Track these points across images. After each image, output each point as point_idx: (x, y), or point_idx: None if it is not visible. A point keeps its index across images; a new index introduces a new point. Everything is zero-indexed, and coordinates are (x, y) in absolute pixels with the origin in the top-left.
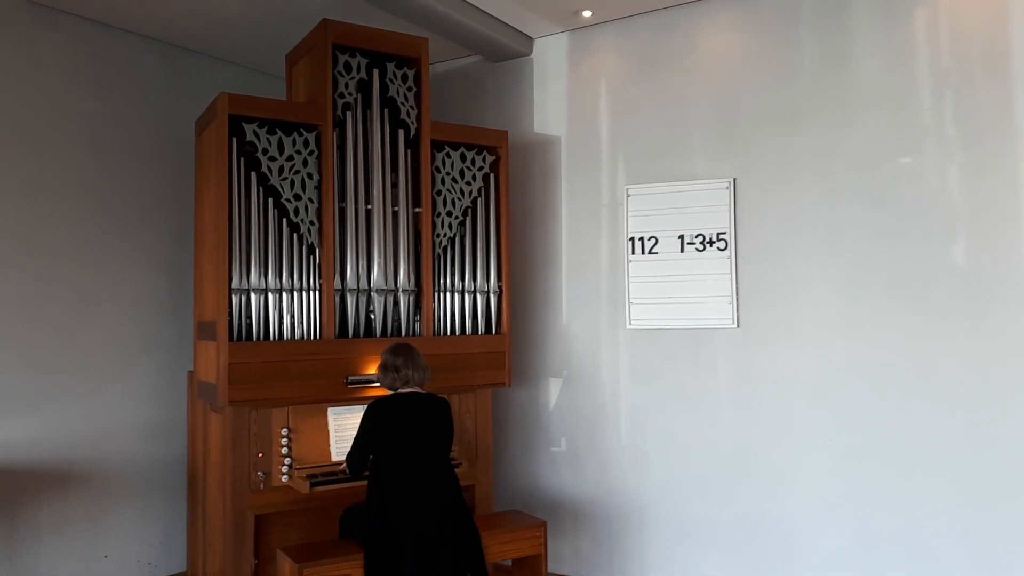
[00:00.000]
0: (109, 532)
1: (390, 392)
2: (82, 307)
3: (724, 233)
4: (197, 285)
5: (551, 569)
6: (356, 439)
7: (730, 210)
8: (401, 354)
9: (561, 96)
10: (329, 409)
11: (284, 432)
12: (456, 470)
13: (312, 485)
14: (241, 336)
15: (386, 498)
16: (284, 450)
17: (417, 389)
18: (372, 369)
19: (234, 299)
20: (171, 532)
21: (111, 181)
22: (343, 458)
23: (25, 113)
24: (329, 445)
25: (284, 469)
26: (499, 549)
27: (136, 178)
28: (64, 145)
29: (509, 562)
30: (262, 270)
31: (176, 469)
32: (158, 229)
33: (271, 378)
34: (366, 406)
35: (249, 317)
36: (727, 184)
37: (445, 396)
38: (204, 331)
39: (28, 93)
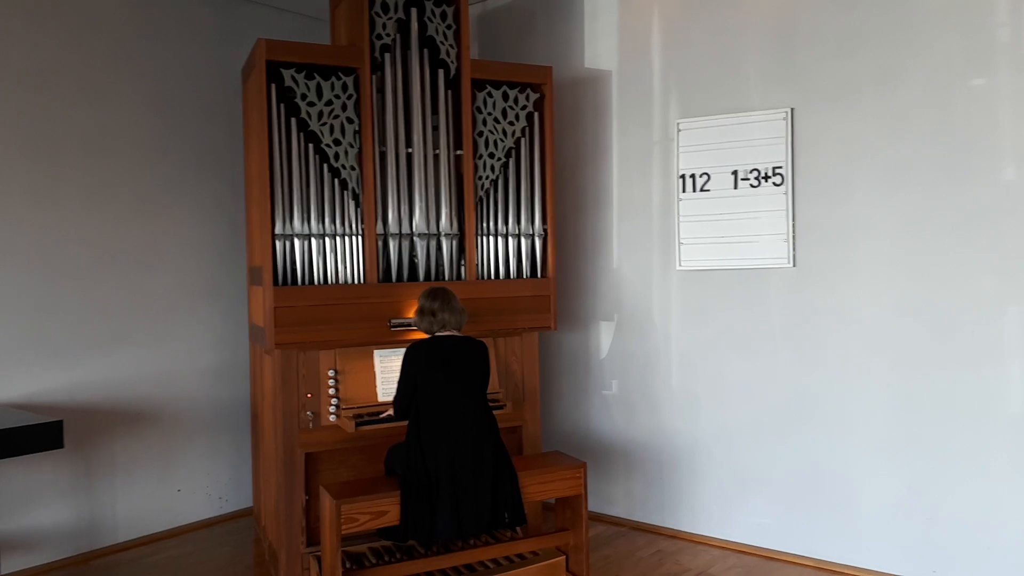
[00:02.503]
0: (180, 468)
1: (427, 336)
2: (147, 256)
3: (780, 167)
4: (248, 232)
5: (604, 511)
6: (399, 385)
7: (787, 142)
8: (437, 298)
9: (612, 28)
10: (375, 351)
11: (331, 373)
12: (501, 411)
13: (357, 424)
14: (286, 281)
15: (423, 439)
16: (332, 391)
17: (454, 332)
18: (415, 312)
19: (278, 245)
20: (239, 469)
21: (169, 134)
22: (389, 398)
23: (83, 71)
24: (375, 386)
25: (332, 409)
26: (538, 489)
27: (194, 130)
28: (123, 100)
29: (553, 501)
30: (305, 216)
31: (241, 410)
32: (217, 179)
33: (317, 321)
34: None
35: (293, 262)
36: (784, 115)
37: (489, 339)
38: (254, 276)
39: (85, 51)
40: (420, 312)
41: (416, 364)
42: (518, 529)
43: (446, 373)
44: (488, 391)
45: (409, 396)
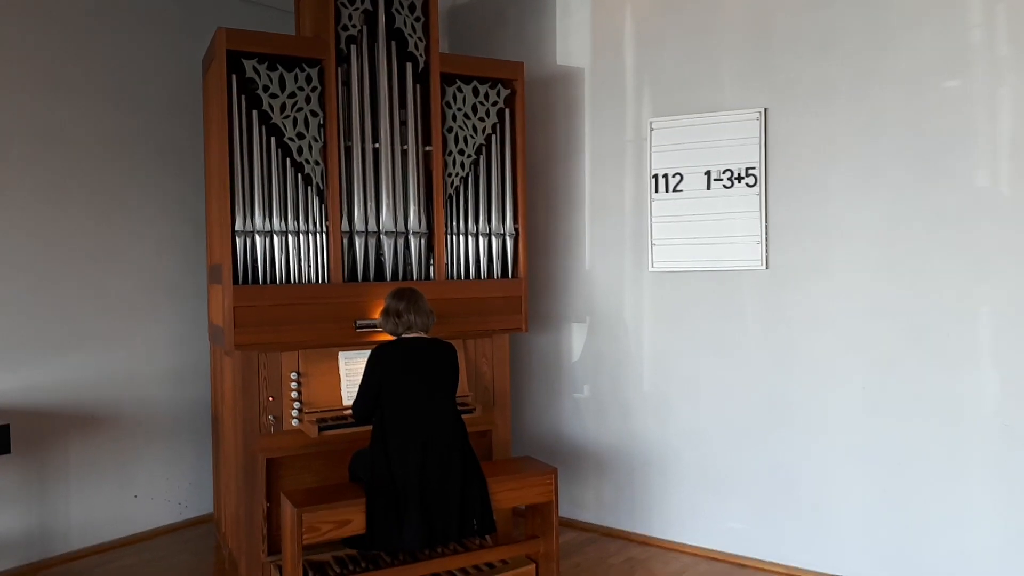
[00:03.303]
0: (138, 473)
1: (394, 338)
2: (106, 254)
3: (753, 168)
4: (208, 228)
5: (575, 517)
6: (360, 388)
7: (760, 143)
8: (403, 298)
9: (584, 24)
10: (340, 353)
11: (293, 376)
12: (470, 415)
13: (320, 429)
14: (247, 279)
15: (389, 445)
16: (294, 394)
17: (421, 334)
18: (379, 313)
19: (238, 242)
20: (200, 474)
21: (130, 128)
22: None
23: (40, 61)
24: (340, 389)
25: (294, 413)
26: (508, 496)
27: (156, 124)
28: (82, 92)
29: (523, 507)
30: (266, 212)
31: (202, 413)
32: (179, 175)
33: (278, 322)
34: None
35: (254, 260)
36: (757, 115)
37: (458, 340)
38: (213, 275)
39: (42, 42)
40: (385, 313)
41: (382, 367)
42: (487, 537)
43: (413, 376)
44: (457, 394)
45: (372, 400)
